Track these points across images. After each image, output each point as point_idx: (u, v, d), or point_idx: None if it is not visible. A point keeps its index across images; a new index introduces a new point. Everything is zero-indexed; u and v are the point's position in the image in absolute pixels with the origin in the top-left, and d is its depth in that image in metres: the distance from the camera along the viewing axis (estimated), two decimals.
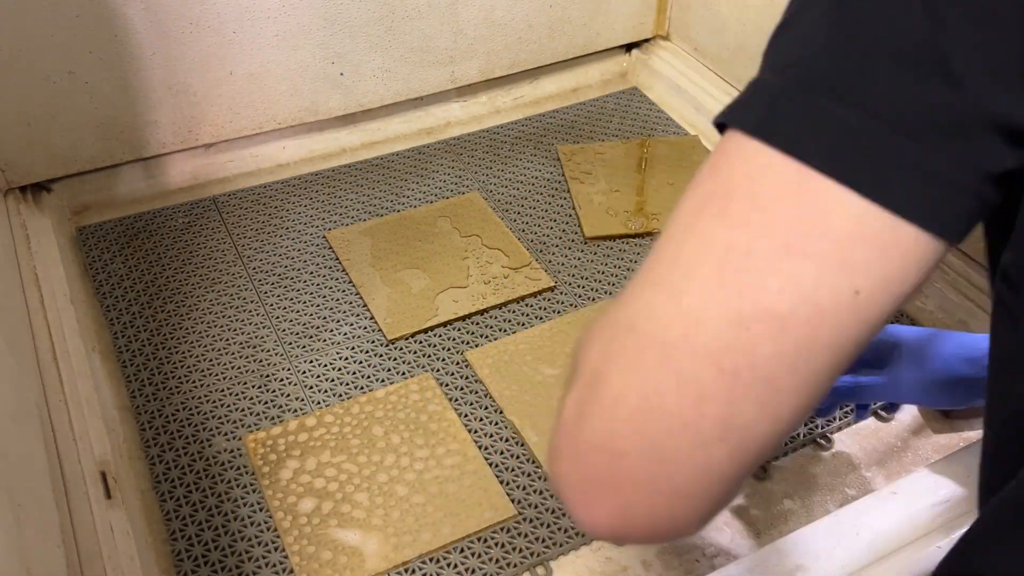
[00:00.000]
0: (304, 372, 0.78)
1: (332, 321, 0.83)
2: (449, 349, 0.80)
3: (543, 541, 0.65)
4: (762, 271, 0.26)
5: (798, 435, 0.73)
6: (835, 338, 0.27)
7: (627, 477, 0.28)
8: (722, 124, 0.29)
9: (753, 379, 0.26)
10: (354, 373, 0.78)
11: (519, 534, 0.66)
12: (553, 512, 0.67)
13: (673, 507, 0.28)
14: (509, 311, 0.85)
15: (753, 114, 0.28)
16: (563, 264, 0.90)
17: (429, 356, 0.80)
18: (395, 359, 0.79)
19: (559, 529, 0.66)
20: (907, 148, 0.26)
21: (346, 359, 0.79)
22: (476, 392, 0.77)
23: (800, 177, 0.26)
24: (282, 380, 0.77)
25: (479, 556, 0.64)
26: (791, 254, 0.26)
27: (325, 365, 0.79)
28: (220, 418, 0.74)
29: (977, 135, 0.26)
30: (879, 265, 0.26)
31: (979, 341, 0.62)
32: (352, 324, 0.83)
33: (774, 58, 0.29)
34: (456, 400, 0.76)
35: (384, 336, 0.81)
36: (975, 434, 0.75)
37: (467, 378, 0.78)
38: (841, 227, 0.26)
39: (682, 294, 0.27)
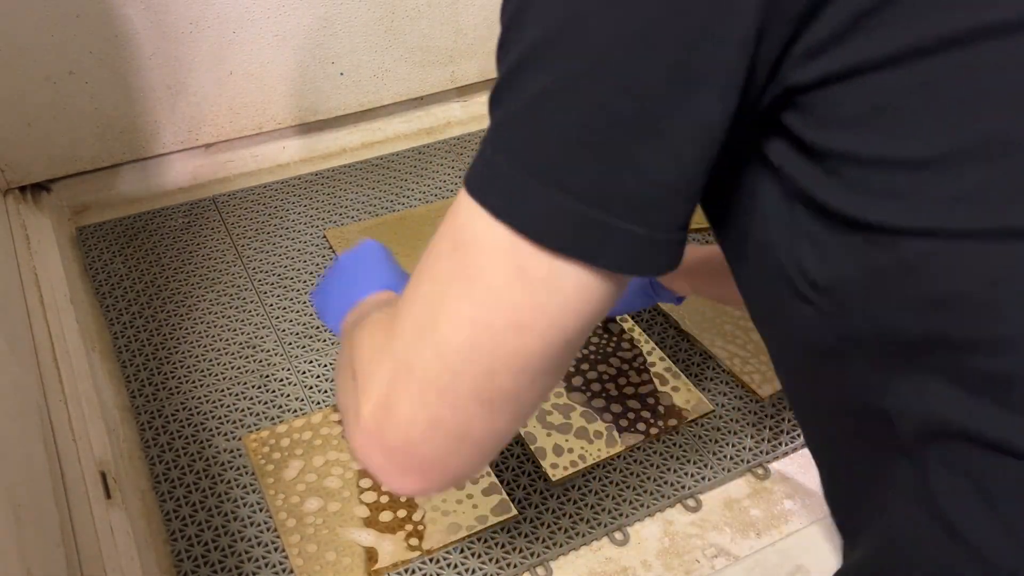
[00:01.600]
0: (304, 372, 0.78)
1: None
2: None
3: (543, 541, 0.65)
4: (485, 339, 0.36)
5: (799, 435, 0.73)
6: (538, 367, 0.37)
7: (423, 467, 0.39)
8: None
9: (498, 407, 0.37)
10: None
11: (519, 534, 0.66)
12: (553, 512, 0.67)
13: (455, 478, 0.40)
14: None
15: (491, 194, 0.35)
16: None
17: None
18: None
19: (559, 529, 0.66)
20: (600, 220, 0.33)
21: None
22: None
23: (516, 248, 0.34)
24: (282, 380, 0.77)
25: (479, 556, 0.64)
26: (510, 327, 0.35)
27: (325, 365, 0.78)
28: (220, 418, 0.73)
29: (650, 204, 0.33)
30: (575, 317, 0.35)
31: None
32: None
33: (505, 124, 0.35)
34: None
35: None
36: None
37: None
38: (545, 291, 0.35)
39: (442, 354, 0.37)
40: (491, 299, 0.36)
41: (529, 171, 0.34)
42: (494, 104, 0.36)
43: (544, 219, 0.34)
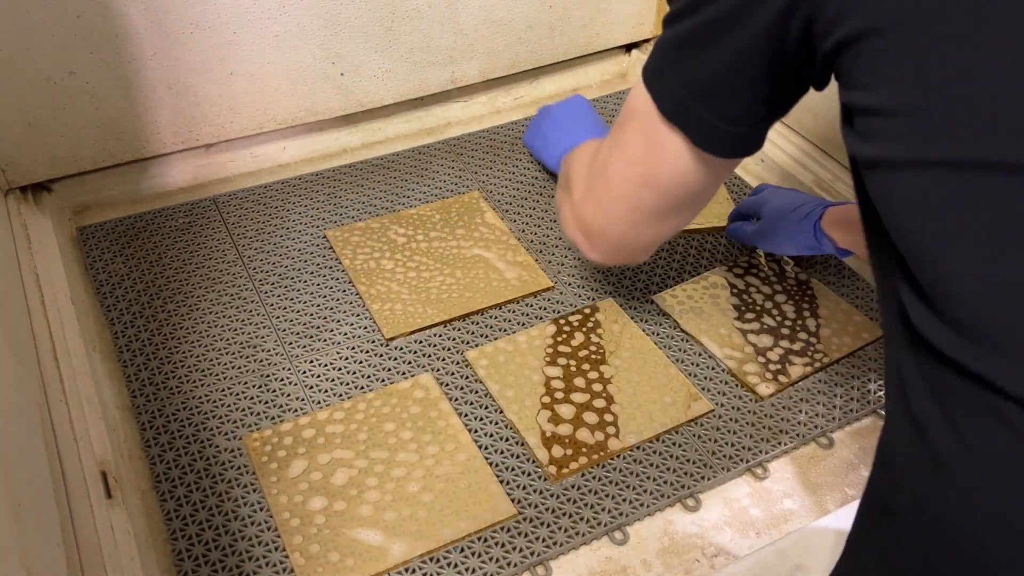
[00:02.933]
0: (304, 372, 0.78)
1: (332, 321, 0.83)
2: (449, 349, 0.81)
3: (543, 541, 0.65)
4: (630, 186, 0.61)
5: (799, 435, 0.74)
6: (665, 209, 0.61)
7: (602, 250, 0.67)
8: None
9: (642, 227, 0.63)
10: (354, 373, 0.78)
11: (519, 534, 0.66)
12: (553, 512, 0.67)
13: (624, 261, 0.71)
14: (509, 311, 0.85)
15: (647, 73, 0.56)
16: (563, 264, 0.90)
17: (429, 356, 0.80)
18: (395, 359, 0.79)
19: (559, 529, 0.66)
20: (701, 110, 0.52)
21: (346, 359, 0.79)
22: (476, 392, 0.77)
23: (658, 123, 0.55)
24: (282, 380, 0.77)
25: (479, 556, 0.64)
26: (642, 180, 0.59)
27: (325, 365, 0.79)
28: (220, 418, 0.74)
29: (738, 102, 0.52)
30: (682, 179, 0.57)
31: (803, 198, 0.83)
32: (352, 324, 0.83)
33: (668, 47, 0.54)
34: (456, 400, 0.76)
35: (383, 336, 0.81)
36: None
37: (467, 378, 0.78)
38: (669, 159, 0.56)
39: (609, 187, 0.62)
40: (633, 156, 0.58)
41: (665, 59, 0.53)
42: (669, 2, 0.53)
43: (665, 94, 0.53)
